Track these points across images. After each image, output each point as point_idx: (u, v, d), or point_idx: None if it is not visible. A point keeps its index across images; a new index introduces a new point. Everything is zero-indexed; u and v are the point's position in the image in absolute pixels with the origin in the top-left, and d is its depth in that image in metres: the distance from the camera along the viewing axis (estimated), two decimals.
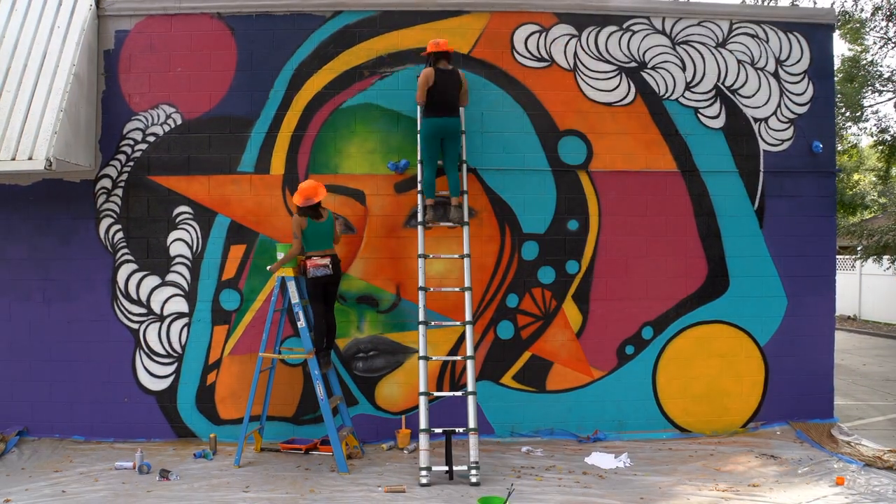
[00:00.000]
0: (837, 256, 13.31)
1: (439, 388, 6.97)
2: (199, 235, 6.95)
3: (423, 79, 6.46)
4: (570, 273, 7.10)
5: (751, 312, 7.21)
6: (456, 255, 6.68)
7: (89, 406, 6.85)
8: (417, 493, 5.49)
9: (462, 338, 6.87)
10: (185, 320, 6.93)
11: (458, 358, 6.58)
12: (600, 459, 6.28)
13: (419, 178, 6.65)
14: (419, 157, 6.66)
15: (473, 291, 6.86)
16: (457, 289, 6.58)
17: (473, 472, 5.65)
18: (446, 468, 5.76)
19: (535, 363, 7.06)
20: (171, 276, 6.93)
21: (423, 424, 5.85)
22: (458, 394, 6.29)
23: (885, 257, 15.18)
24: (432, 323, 6.43)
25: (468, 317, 6.30)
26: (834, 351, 7.41)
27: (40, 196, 6.91)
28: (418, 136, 6.68)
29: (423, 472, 5.64)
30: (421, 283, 6.38)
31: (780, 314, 7.24)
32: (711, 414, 7.15)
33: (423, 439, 5.78)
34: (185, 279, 6.93)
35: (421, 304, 6.31)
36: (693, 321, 7.18)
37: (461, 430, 5.94)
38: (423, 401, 5.95)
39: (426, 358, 6.12)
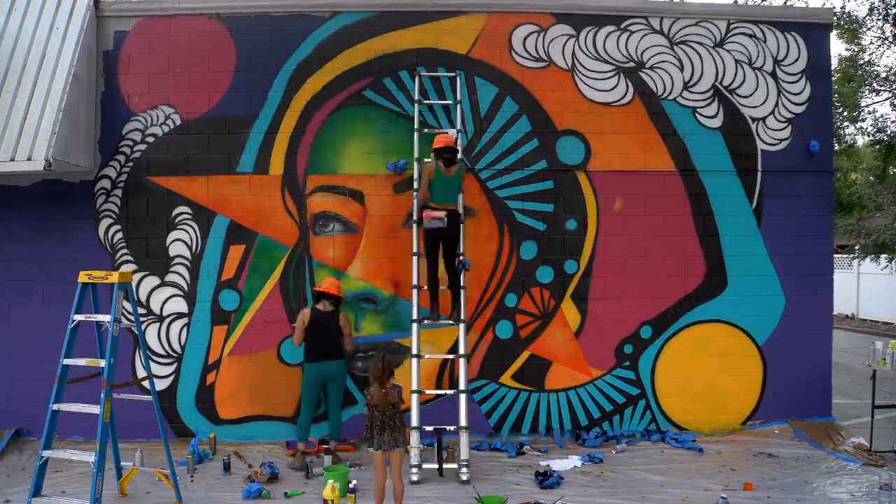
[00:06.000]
0: (835, 255, 13.33)
1: (438, 387, 6.98)
2: (199, 236, 6.95)
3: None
4: (569, 272, 7.11)
5: (749, 311, 7.22)
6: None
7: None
8: (415, 490, 5.51)
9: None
10: (184, 320, 6.94)
11: (451, 356, 6.59)
12: (599, 458, 6.30)
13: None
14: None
15: (472, 291, 6.89)
16: (443, 287, 6.57)
17: (464, 469, 5.71)
18: (437, 465, 5.82)
19: (534, 362, 7.07)
20: (170, 277, 6.94)
21: (414, 422, 5.91)
22: (450, 392, 6.31)
23: (883, 256, 15.20)
24: (425, 321, 6.44)
25: (462, 315, 6.34)
26: (832, 349, 7.43)
27: (40, 196, 6.92)
28: None
29: (414, 470, 5.70)
30: (415, 281, 6.41)
31: (779, 313, 7.26)
32: (710, 413, 7.16)
33: (415, 437, 5.84)
34: (185, 279, 6.94)
35: (415, 302, 6.34)
36: (691, 320, 7.19)
37: (451, 428, 5.98)
38: (414, 399, 5.99)
39: (418, 356, 6.16)
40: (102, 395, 4.89)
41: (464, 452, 5.78)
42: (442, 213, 6.15)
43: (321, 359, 6.22)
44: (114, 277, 5.13)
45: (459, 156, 6.63)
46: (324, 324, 6.24)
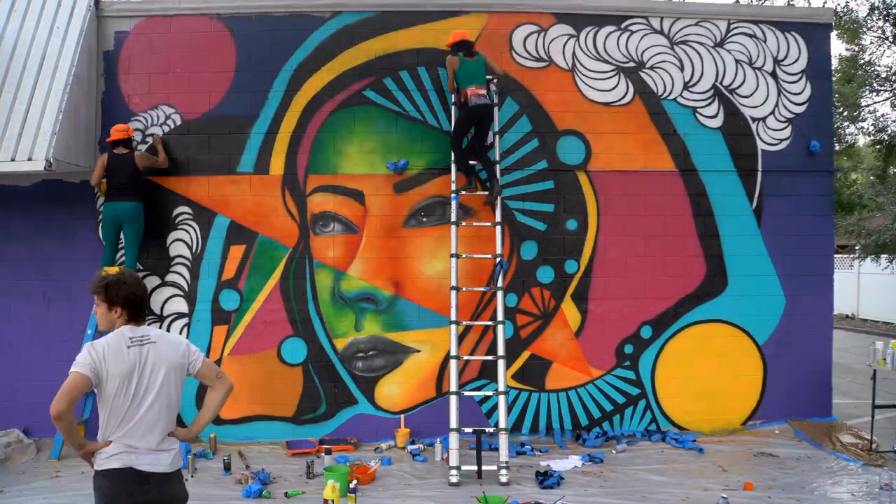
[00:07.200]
0: (835, 255, 13.33)
1: (439, 389, 6.98)
2: (199, 236, 6.96)
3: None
4: (569, 272, 7.11)
5: (749, 311, 7.22)
6: (489, 256, 6.69)
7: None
8: (414, 490, 5.51)
9: (462, 338, 6.89)
10: (184, 320, 6.95)
11: (489, 358, 6.54)
12: (600, 458, 6.30)
13: (453, 158, 6.77)
14: (454, 135, 6.76)
15: (472, 291, 6.89)
16: (482, 288, 6.72)
17: (503, 471, 5.70)
18: (476, 467, 5.81)
19: (535, 362, 7.07)
20: (170, 277, 6.94)
21: (453, 424, 5.90)
22: (489, 393, 6.39)
23: (884, 256, 15.21)
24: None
25: (500, 316, 6.35)
26: (832, 349, 7.43)
27: (40, 197, 6.92)
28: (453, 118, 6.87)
29: (453, 472, 5.68)
30: (453, 282, 6.45)
31: (779, 313, 7.26)
32: (710, 413, 7.16)
33: (454, 439, 5.82)
34: (185, 279, 6.94)
35: (453, 303, 6.38)
36: (692, 320, 7.19)
37: (491, 429, 6.02)
38: (453, 400, 6.01)
39: (457, 357, 6.18)
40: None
41: (503, 454, 5.77)
42: (484, 90, 6.45)
43: (114, 199, 6.53)
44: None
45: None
46: (118, 166, 6.50)
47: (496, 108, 6.87)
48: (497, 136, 6.86)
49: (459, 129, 6.67)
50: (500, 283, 6.43)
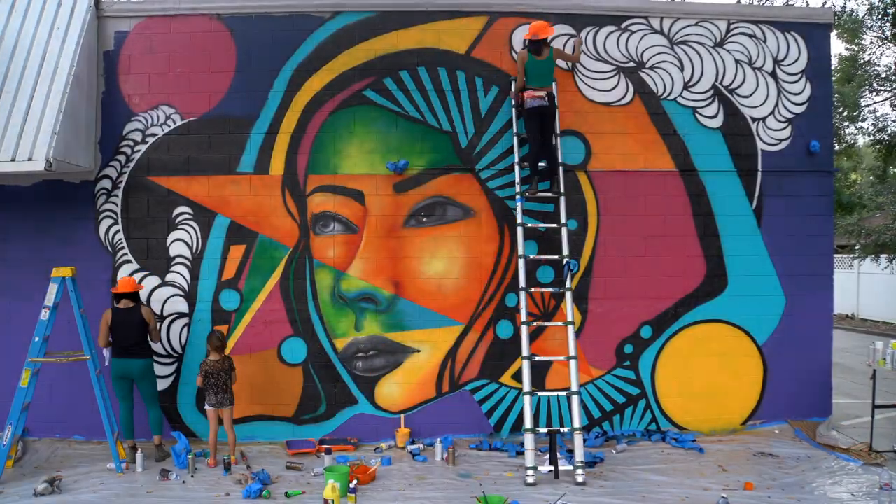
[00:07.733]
0: (835, 255, 13.33)
1: (439, 389, 6.99)
2: (199, 236, 6.96)
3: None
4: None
5: (749, 311, 7.22)
6: (557, 257, 6.74)
7: (89, 406, 6.83)
8: (421, 492, 5.51)
9: (462, 338, 6.92)
10: (185, 320, 6.95)
11: (561, 358, 6.48)
12: (600, 457, 6.30)
13: (515, 159, 6.91)
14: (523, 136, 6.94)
15: (472, 291, 6.90)
16: (554, 289, 6.78)
17: (580, 471, 5.75)
18: (551, 467, 5.87)
19: (534, 362, 7.06)
20: (170, 277, 6.95)
21: (527, 424, 5.95)
22: (562, 393, 6.42)
23: (883, 256, 15.21)
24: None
25: (569, 317, 6.42)
26: (832, 349, 7.43)
27: (40, 197, 6.92)
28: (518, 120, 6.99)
29: (530, 472, 5.73)
30: (522, 283, 6.49)
31: (779, 313, 7.26)
32: (710, 412, 7.16)
33: (529, 439, 5.86)
34: (185, 279, 6.94)
35: (522, 306, 6.44)
36: (692, 320, 7.19)
37: (566, 429, 6.08)
38: (527, 400, 6.06)
39: (529, 357, 6.21)
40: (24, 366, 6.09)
41: (578, 454, 5.82)
42: (543, 93, 6.62)
43: (123, 356, 6.32)
44: (61, 272, 6.18)
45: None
46: (125, 321, 6.32)
47: (557, 110, 6.94)
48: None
49: (526, 131, 6.82)
50: (568, 284, 6.48)
